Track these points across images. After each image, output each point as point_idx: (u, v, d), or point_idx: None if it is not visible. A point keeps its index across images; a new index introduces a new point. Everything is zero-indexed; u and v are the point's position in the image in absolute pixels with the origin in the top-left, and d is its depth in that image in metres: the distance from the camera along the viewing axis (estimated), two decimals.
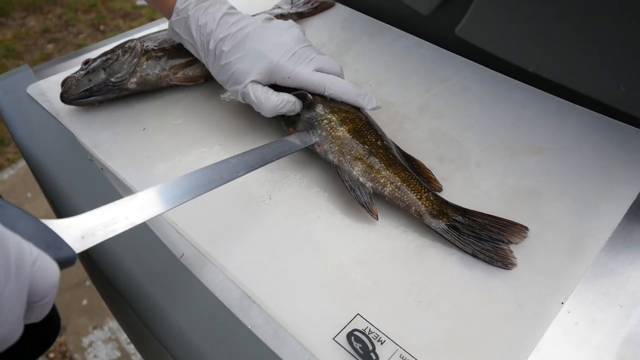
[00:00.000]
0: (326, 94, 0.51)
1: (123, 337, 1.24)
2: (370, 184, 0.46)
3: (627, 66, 0.49)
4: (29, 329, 0.28)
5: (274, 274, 0.42)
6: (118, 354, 1.20)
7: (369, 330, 0.38)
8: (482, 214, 0.44)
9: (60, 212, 0.51)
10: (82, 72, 0.57)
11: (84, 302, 1.31)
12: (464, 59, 0.64)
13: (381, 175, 0.46)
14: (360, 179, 0.46)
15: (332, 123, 0.49)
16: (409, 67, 0.64)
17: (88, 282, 1.34)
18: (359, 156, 0.47)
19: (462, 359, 0.36)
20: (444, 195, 0.46)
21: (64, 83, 0.56)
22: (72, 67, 0.65)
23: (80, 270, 1.33)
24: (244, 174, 0.43)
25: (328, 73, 0.52)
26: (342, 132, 0.49)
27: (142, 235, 0.46)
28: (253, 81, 0.51)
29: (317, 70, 0.51)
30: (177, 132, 0.56)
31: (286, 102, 0.51)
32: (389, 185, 0.45)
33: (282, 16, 0.70)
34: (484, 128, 0.55)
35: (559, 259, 0.42)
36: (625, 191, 0.47)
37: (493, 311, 0.39)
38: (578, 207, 0.46)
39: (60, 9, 2.42)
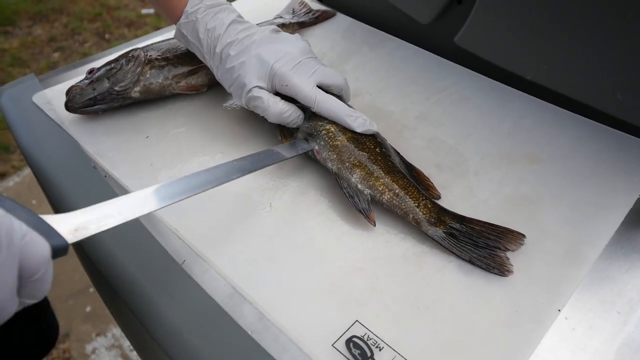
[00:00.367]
0: (315, 109, 0.51)
1: (126, 344, 1.24)
2: (369, 191, 0.47)
3: (624, 74, 0.50)
4: (27, 334, 0.29)
5: (275, 281, 0.42)
6: None
7: (368, 337, 0.38)
8: (479, 221, 0.45)
9: None
10: (87, 81, 0.58)
11: (88, 309, 1.32)
12: (463, 68, 0.65)
13: (379, 183, 0.46)
14: (359, 185, 0.47)
15: (331, 133, 0.50)
16: (409, 76, 0.65)
17: (91, 289, 1.35)
18: (357, 163, 0.48)
19: None
20: (442, 203, 0.47)
21: (68, 92, 0.57)
22: (77, 76, 0.66)
23: (83, 278, 1.34)
24: (238, 177, 0.44)
25: (330, 85, 0.52)
26: (340, 140, 0.49)
27: (144, 242, 0.46)
28: (258, 86, 0.51)
29: (320, 83, 0.52)
30: (180, 140, 0.57)
31: (292, 111, 0.51)
32: (387, 193, 0.46)
33: (283, 25, 0.71)
34: (483, 137, 0.55)
35: (556, 267, 0.43)
36: (623, 199, 0.47)
37: (491, 318, 0.39)
38: (575, 215, 0.47)
39: (66, 18, 2.45)
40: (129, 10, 2.48)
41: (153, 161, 0.54)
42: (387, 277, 0.42)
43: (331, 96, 0.51)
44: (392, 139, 0.54)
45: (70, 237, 0.32)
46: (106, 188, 0.51)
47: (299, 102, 0.52)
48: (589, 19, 0.50)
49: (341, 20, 0.76)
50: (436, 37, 0.67)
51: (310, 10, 0.75)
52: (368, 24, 0.74)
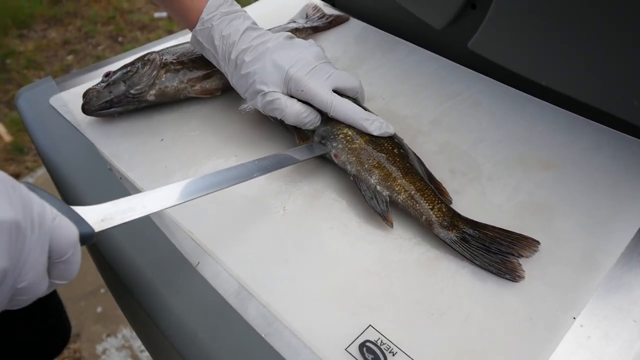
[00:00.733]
0: (331, 114, 0.51)
1: (136, 344, 1.25)
2: (387, 192, 0.47)
3: None
4: (40, 333, 0.31)
5: (288, 284, 0.43)
6: None
7: (381, 342, 0.38)
8: (493, 227, 0.44)
9: None
10: (103, 84, 0.58)
11: (99, 309, 1.33)
12: (476, 73, 0.65)
13: (397, 183, 0.47)
14: (378, 187, 0.47)
15: (348, 137, 0.50)
16: (422, 80, 0.65)
17: (102, 290, 1.36)
18: (376, 165, 0.48)
19: None
20: (455, 207, 0.47)
21: (85, 95, 0.58)
22: (93, 79, 0.66)
23: (95, 279, 1.35)
24: (258, 176, 0.46)
25: (346, 89, 0.53)
26: (358, 143, 0.50)
27: (158, 243, 0.47)
28: (273, 91, 0.52)
29: (335, 87, 0.52)
30: (194, 143, 0.57)
31: (310, 112, 0.52)
32: (403, 193, 0.46)
33: (297, 30, 0.71)
34: (496, 142, 0.55)
35: (570, 274, 0.42)
36: (638, 205, 0.47)
37: (505, 325, 0.39)
38: (590, 221, 0.46)
39: (80, 21, 2.48)
40: (142, 14, 2.51)
41: (168, 164, 0.55)
42: (401, 282, 0.42)
43: (347, 100, 0.51)
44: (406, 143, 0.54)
45: (97, 226, 0.34)
46: (121, 190, 0.52)
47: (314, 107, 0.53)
48: (605, 24, 0.50)
49: (354, 25, 0.77)
50: (449, 42, 0.67)
51: (323, 15, 0.76)
52: (381, 29, 0.75)
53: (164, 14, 2.47)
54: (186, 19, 0.57)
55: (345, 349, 0.38)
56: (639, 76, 0.49)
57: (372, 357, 0.37)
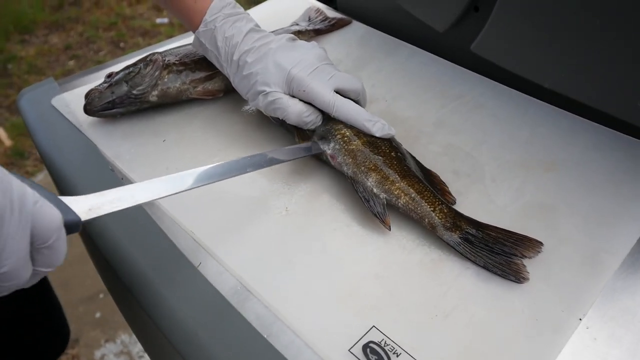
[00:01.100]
0: (333, 114, 0.51)
1: (135, 350, 1.24)
2: (384, 195, 0.46)
3: None
4: (39, 336, 0.30)
5: (291, 284, 0.42)
6: None
7: (385, 343, 0.38)
8: (496, 227, 0.44)
9: None
10: (105, 85, 0.58)
11: (97, 315, 1.32)
12: (479, 75, 0.65)
13: (395, 187, 0.46)
14: (375, 190, 0.47)
15: (346, 137, 0.50)
16: (425, 83, 0.65)
17: (101, 295, 1.35)
18: (373, 167, 0.48)
19: None
20: (459, 209, 0.47)
21: (87, 95, 0.58)
22: (95, 80, 0.66)
23: (93, 284, 1.34)
24: (252, 171, 0.46)
25: (348, 90, 0.53)
26: (355, 145, 0.49)
27: (159, 243, 0.46)
28: (275, 91, 0.52)
29: (337, 88, 0.52)
30: (196, 145, 0.57)
31: (312, 112, 0.52)
32: (403, 197, 0.46)
33: (299, 33, 0.71)
34: (499, 144, 0.55)
35: (575, 275, 0.42)
36: None
37: (510, 326, 0.39)
38: (594, 222, 0.46)
39: (82, 27, 2.49)
40: (143, 20, 2.52)
41: (169, 164, 0.54)
42: (404, 282, 0.42)
43: (349, 101, 0.51)
44: (409, 145, 0.54)
45: (84, 215, 0.34)
46: None
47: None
48: (607, 26, 0.50)
49: (357, 27, 0.77)
50: (452, 45, 0.67)
51: (326, 18, 0.76)
52: (383, 32, 0.75)
53: (165, 20, 2.48)
54: (189, 21, 0.57)
55: (349, 350, 0.37)
56: None
57: (376, 358, 0.37)
